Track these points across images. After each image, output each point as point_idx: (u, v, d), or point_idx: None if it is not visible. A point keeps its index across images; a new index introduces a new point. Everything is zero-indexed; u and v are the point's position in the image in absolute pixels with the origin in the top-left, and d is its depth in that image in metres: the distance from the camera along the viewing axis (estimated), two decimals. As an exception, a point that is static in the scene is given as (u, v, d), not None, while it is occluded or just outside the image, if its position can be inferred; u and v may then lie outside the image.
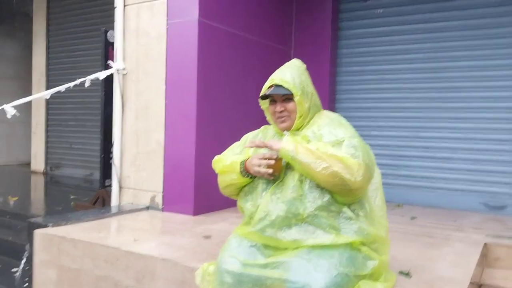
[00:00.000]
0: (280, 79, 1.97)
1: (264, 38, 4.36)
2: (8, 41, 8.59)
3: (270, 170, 1.89)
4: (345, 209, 1.90)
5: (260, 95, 2.03)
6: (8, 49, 8.60)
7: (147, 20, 3.82)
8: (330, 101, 4.81)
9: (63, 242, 2.81)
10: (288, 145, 1.86)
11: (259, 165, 1.91)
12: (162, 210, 3.71)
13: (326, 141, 1.93)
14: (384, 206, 2.08)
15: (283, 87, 1.95)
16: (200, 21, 3.55)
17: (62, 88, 3.62)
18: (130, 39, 3.92)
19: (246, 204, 2.08)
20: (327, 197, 1.87)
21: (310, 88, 2.06)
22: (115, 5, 3.97)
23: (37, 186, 6.58)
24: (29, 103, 7.56)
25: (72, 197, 5.29)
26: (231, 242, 2.04)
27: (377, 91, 4.71)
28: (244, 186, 2.09)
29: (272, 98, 2.02)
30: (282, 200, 1.92)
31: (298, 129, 2.04)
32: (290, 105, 1.99)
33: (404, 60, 4.56)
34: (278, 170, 1.92)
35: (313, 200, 1.88)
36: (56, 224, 3.07)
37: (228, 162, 2.08)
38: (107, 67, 3.99)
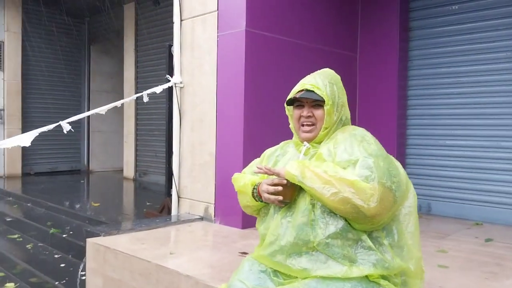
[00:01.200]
0: (312, 84, 1.84)
1: (323, 44, 4.18)
2: (105, 58, 9.38)
3: (280, 197, 1.75)
4: (364, 237, 1.68)
5: (288, 98, 1.90)
6: (105, 65, 9.40)
7: (200, 33, 3.88)
8: (399, 108, 4.46)
9: (108, 252, 2.94)
10: (293, 169, 1.72)
11: (267, 192, 1.78)
12: (214, 221, 3.71)
13: (339, 161, 1.75)
14: (417, 233, 1.83)
15: (315, 93, 1.82)
16: (247, 32, 3.51)
17: (118, 103, 3.80)
18: (186, 53, 4.01)
19: (260, 227, 1.99)
20: (341, 224, 1.68)
21: (342, 100, 1.89)
22: (173, 20, 4.10)
23: (123, 192, 7.05)
24: (122, 114, 8.19)
25: (147, 203, 5.57)
26: (244, 265, 1.94)
27: (454, 96, 4.25)
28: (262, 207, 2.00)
29: (299, 103, 1.89)
30: (292, 224, 1.77)
31: (319, 142, 1.88)
32: (318, 112, 1.84)
33: (484, 60, 4.06)
34: (289, 197, 1.77)
35: (324, 227, 1.70)
36: (108, 233, 3.22)
37: (241, 183, 1.99)
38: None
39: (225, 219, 3.64)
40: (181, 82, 4.03)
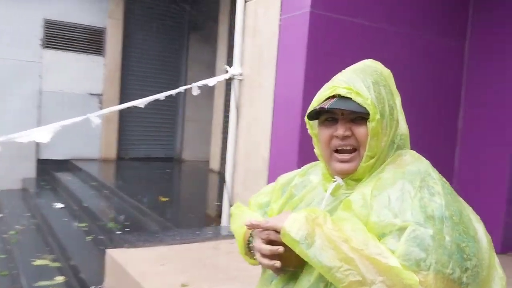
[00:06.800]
0: (348, 87, 1.11)
1: (415, 28, 3.28)
2: (203, 46, 9.23)
3: (277, 263, 1.06)
4: None
5: (310, 109, 1.16)
6: (202, 54, 9.24)
7: (262, 17, 3.27)
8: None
9: (121, 271, 2.52)
10: (295, 230, 1.00)
11: (261, 252, 1.09)
12: (262, 241, 3.12)
13: (375, 222, 1.02)
14: None
15: (353, 100, 1.10)
16: (312, 14, 2.81)
17: (160, 96, 3.36)
18: (247, 41, 3.45)
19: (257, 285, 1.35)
20: None
21: (395, 110, 1.15)
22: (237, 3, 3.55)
23: (201, 186, 6.79)
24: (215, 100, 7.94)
25: (216, 203, 5.18)
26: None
27: None
28: None
29: (330, 116, 1.16)
30: None
31: (359, 180, 1.14)
32: (361, 130, 1.10)
33: None
34: (293, 263, 1.07)
35: None
36: (132, 244, 2.83)
37: (234, 225, 1.35)
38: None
39: (273, 241, 3.03)
40: (240, 74, 3.48)
